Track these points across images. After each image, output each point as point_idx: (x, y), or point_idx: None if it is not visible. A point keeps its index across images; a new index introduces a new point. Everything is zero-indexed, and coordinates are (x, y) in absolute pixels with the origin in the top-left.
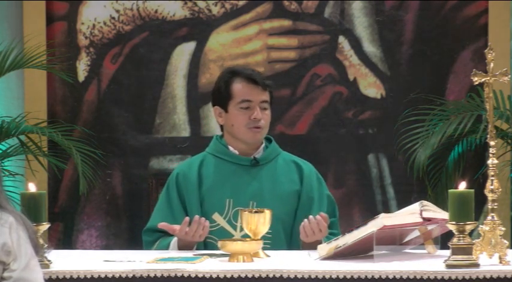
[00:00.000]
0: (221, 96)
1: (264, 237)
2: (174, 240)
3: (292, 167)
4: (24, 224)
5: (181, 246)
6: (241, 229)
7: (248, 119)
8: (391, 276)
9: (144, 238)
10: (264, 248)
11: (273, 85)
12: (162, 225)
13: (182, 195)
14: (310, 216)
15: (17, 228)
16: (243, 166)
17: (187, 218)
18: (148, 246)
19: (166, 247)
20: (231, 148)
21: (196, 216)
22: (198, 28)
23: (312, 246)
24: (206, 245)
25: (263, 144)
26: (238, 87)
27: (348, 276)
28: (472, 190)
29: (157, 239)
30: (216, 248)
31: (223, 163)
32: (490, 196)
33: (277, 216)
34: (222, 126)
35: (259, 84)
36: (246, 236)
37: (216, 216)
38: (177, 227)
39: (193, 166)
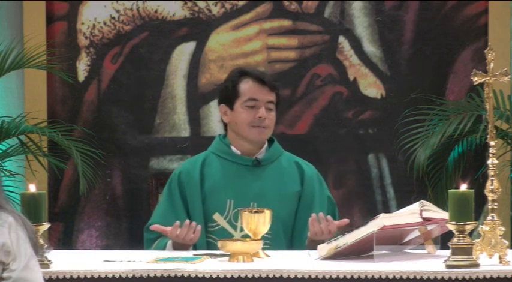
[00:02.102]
0: (228, 94)
1: (263, 238)
2: (170, 241)
3: (294, 168)
4: (24, 224)
5: (177, 248)
6: (242, 229)
7: (253, 118)
8: (391, 276)
9: (146, 235)
10: (263, 248)
11: (280, 87)
12: (154, 227)
13: (184, 194)
14: (320, 214)
15: (16, 228)
16: (245, 166)
17: (177, 222)
18: (149, 243)
19: (163, 248)
20: (233, 148)
21: (187, 221)
22: (198, 28)
23: (318, 244)
24: (208, 244)
25: (266, 145)
26: (245, 86)
27: (348, 276)
28: (472, 190)
29: (158, 237)
30: (217, 248)
31: (225, 163)
32: (490, 196)
33: (278, 217)
34: (225, 125)
35: (266, 85)
36: (246, 236)
37: (216, 216)
38: (169, 229)
39: (196, 165)
